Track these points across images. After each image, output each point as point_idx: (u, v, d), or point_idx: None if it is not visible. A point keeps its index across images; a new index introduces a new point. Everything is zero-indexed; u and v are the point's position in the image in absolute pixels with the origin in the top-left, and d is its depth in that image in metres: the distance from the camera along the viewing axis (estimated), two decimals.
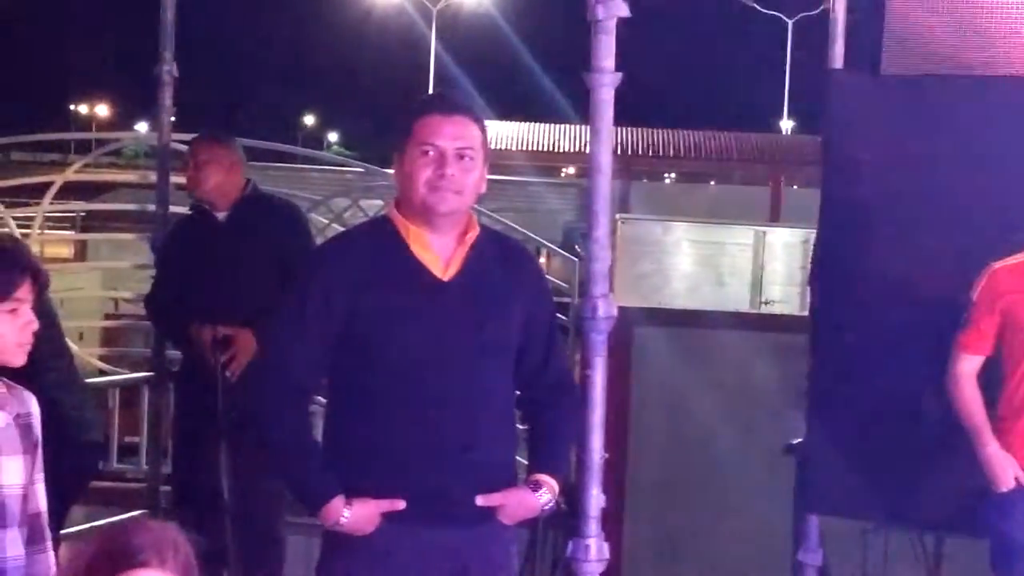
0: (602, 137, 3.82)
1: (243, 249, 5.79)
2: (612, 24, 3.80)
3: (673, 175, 42.73)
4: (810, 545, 5.48)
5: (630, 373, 7.13)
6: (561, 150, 32.55)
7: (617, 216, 18.71)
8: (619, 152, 30.69)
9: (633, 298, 15.56)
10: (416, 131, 3.60)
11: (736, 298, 17.64)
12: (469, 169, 3.59)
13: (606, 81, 3.81)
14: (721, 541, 6.87)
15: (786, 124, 52.75)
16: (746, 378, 6.86)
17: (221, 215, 5.89)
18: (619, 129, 32.86)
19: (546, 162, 31.56)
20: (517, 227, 9.70)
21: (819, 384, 5.45)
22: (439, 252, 3.61)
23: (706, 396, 6.92)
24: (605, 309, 3.86)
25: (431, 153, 3.57)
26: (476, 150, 3.61)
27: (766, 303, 17.30)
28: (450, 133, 3.58)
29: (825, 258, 5.52)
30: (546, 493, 3.68)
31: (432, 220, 3.60)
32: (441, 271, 3.61)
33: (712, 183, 38.88)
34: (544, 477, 3.70)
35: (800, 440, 5.47)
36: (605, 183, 3.82)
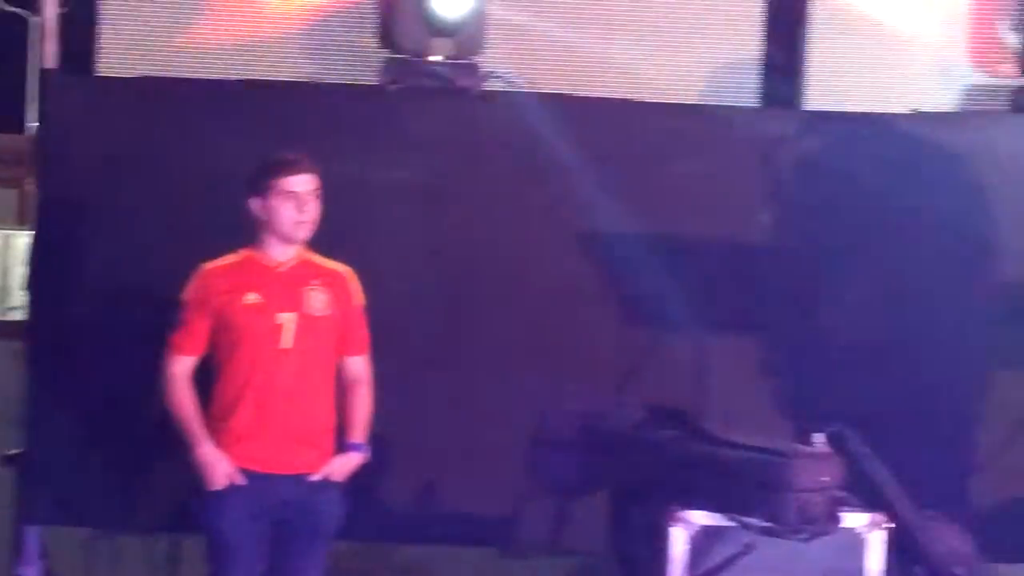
0: None
1: None
2: None
3: None
4: (29, 557, 5.37)
5: None
6: None
7: None
8: None
9: None
10: None
11: None
12: None
13: None
14: None
15: (34, 124, 51.56)
16: None
17: None
18: None
19: None
20: None
21: (39, 391, 5.35)
22: None
23: None
24: None
25: None
26: None
27: (10, 309, 16.80)
28: None
29: (43, 260, 5.43)
30: None
31: None
32: None
33: None
34: None
35: (20, 451, 5.34)
36: None
